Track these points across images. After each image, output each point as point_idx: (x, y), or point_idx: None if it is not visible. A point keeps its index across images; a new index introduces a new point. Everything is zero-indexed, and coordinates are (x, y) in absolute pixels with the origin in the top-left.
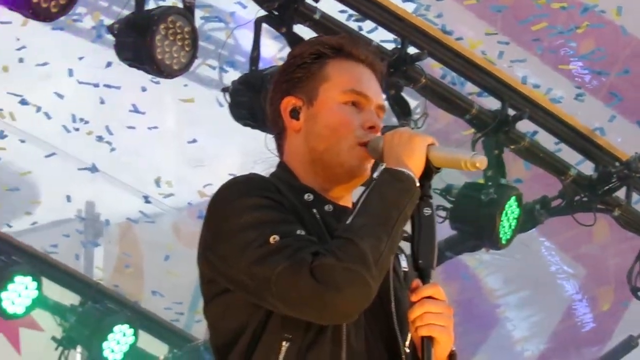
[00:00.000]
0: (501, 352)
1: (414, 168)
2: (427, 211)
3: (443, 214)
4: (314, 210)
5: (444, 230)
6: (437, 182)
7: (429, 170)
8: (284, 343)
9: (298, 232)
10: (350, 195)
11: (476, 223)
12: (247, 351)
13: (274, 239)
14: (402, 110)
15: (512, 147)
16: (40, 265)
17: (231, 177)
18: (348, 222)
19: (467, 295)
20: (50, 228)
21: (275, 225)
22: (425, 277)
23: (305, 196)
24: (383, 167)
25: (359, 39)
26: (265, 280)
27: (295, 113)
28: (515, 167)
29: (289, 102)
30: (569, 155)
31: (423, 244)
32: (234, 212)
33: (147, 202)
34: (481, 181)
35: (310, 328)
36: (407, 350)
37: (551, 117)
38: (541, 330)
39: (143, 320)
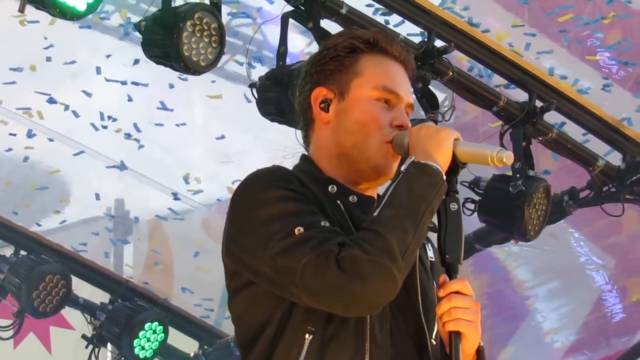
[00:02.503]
0: (531, 343)
1: (441, 162)
2: (453, 206)
3: (471, 206)
4: (338, 202)
5: (472, 223)
6: (465, 174)
7: (455, 166)
8: (307, 335)
9: (322, 223)
10: (376, 187)
11: (505, 215)
12: (271, 344)
13: (298, 230)
14: (429, 104)
15: (540, 138)
16: (70, 264)
17: None
18: (375, 213)
19: (496, 287)
20: (80, 226)
21: (298, 217)
22: (452, 272)
23: (329, 188)
24: (411, 159)
25: (393, 36)
26: (290, 271)
27: (325, 105)
28: (544, 159)
29: (319, 93)
30: (596, 146)
31: (450, 239)
32: (257, 204)
33: (176, 199)
34: (509, 173)
35: (332, 320)
36: (434, 342)
37: (578, 108)
38: (571, 322)
39: (173, 317)
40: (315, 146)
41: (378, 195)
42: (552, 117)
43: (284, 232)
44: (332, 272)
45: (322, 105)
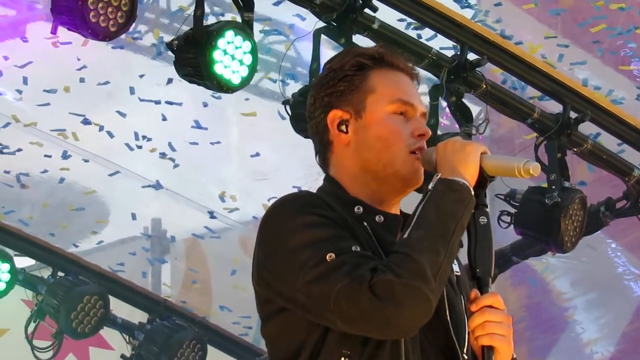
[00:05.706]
0: (571, 354)
1: (469, 176)
2: (482, 220)
3: (507, 219)
4: (365, 224)
5: (509, 235)
6: (501, 187)
7: (483, 179)
8: (342, 359)
9: (353, 248)
10: (399, 202)
11: (541, 227)
12: None
13: (330, 257)
14: (463, 117)
15: (575, 149)
16: (108, 284)
17: (295, 189)
18: (405, 235)
19: (535, 299)
20: (117, 246)
21: (329, 243)
22: (483, 286)
23: (355, 209)
24: (438, 177)
25: (395, 48)
26: (324, 298)
27: (343, 126)
28: (579, 170)
29: (335, 116)
30: (632, 156)
31: (480, 253)
32: (286, 232)
33: (212, 217)
34: (545, 185)
35: (368, 343)
36: (466, 357)
37: (613, 119)
38: (610, 332)
39: (211, 336)
40: (336, 167)
41: (401, 212)
42: (587, 128)
43: (316, 259)
44: (365, 298)
45: (340, 127)
